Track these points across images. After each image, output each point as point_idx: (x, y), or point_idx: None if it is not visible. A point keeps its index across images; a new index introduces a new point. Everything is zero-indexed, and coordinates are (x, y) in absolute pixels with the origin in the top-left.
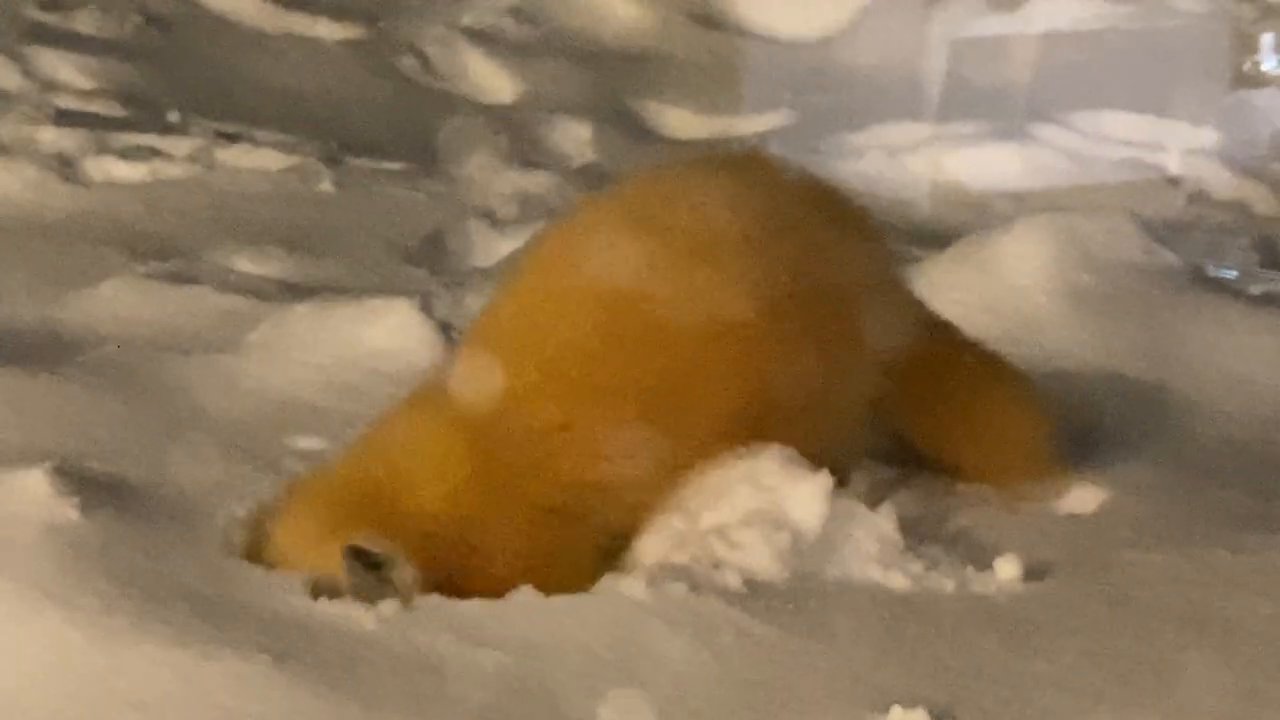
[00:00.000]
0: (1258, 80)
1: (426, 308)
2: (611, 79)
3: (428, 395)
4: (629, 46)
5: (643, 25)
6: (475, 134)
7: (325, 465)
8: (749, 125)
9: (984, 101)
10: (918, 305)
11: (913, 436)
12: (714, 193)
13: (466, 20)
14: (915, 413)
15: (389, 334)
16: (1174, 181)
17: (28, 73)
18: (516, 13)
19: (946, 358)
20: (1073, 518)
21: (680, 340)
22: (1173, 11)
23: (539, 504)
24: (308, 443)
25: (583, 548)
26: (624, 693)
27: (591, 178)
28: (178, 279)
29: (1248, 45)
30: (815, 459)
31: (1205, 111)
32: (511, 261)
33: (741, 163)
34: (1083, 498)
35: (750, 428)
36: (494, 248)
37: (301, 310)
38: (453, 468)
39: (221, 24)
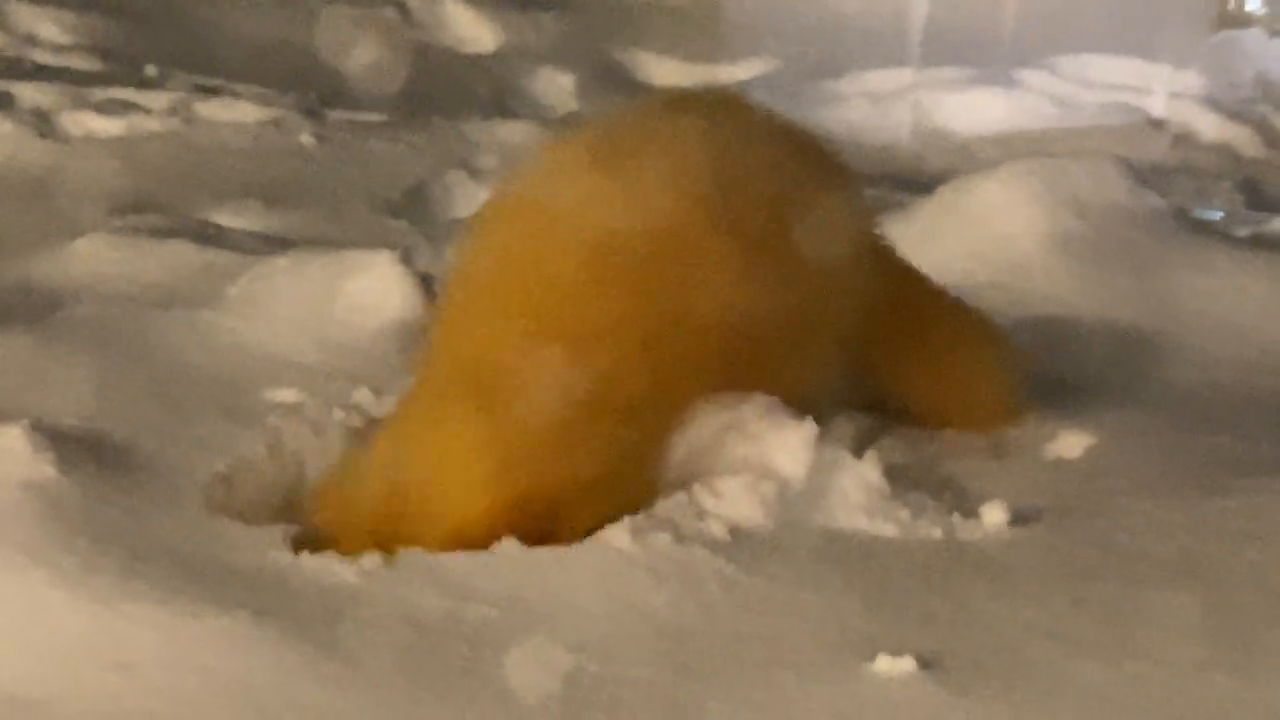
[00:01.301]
0: (1241, 20)
1: (407, 260)
2: (594, 28)
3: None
4: None
5: None
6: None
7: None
8: (733, 73)
9: (968, 47)
10: (885, 248)
11: (878, 380)
12: (680, 130)
13: None
14: (880, 357)
15: (370, 286)
16: (1159, 124)
17: (4, 27)
18: None
19: (911, 302)
20: (1060, 463)
21: (647, 274)
22: None
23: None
24: (288, 396)
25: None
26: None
27: (574, 127)
28: (156, 234)
29: None
30: (791, 400)
31: (1189, 54)
32: (483, 210)
33: (709, 103)
34: (1070, 443)
35: (726, 367)
36: (475, 199)
37: (281, 264)
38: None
39: None
